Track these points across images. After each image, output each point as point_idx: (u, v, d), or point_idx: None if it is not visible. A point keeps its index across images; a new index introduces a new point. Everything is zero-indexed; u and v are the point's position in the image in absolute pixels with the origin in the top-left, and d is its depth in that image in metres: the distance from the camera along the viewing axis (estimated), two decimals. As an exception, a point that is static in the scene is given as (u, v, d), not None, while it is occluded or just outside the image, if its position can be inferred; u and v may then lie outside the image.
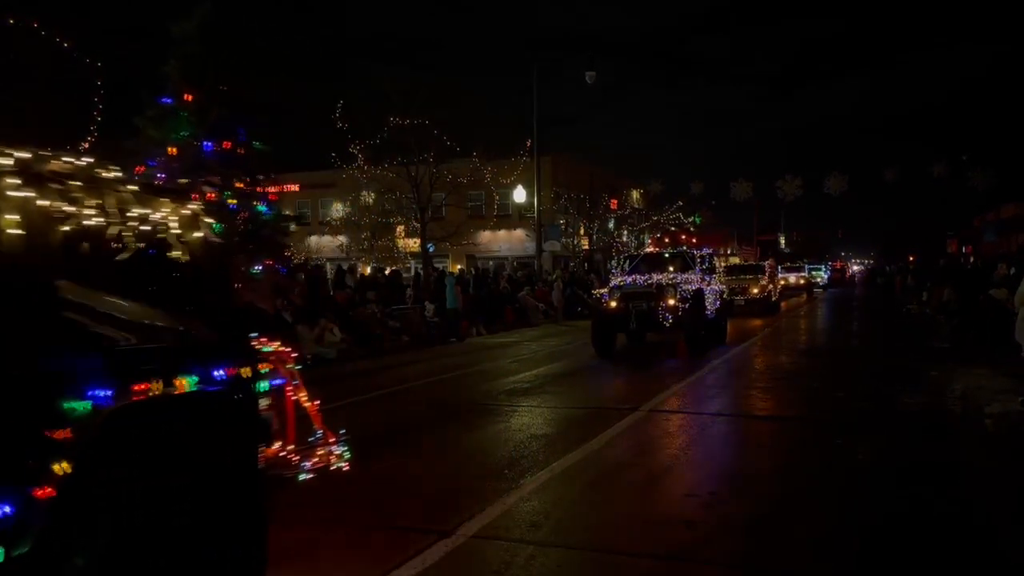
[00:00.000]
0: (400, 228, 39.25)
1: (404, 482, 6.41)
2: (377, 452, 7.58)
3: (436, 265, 32.08)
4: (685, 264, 16.97)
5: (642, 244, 40.93)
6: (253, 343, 4.66)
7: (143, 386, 3.40)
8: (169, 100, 13.45)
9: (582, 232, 42.71)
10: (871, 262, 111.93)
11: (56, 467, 2.96)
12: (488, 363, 14.80)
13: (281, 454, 4.81)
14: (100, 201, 3.54)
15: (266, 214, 13.46)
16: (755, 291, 27.00)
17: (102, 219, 3.53)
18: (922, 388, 10.33)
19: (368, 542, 4.97)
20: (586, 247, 42.11)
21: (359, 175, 32.61)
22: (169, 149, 12.82)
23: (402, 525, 5.21)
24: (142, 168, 12.02)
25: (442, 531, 4.94)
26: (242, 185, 12.65)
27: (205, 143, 13.02)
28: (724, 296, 18.69)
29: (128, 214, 3.68)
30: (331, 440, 5.18)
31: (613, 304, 15.16)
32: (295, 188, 50.30)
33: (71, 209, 3.39)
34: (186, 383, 3.65)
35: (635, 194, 48.98)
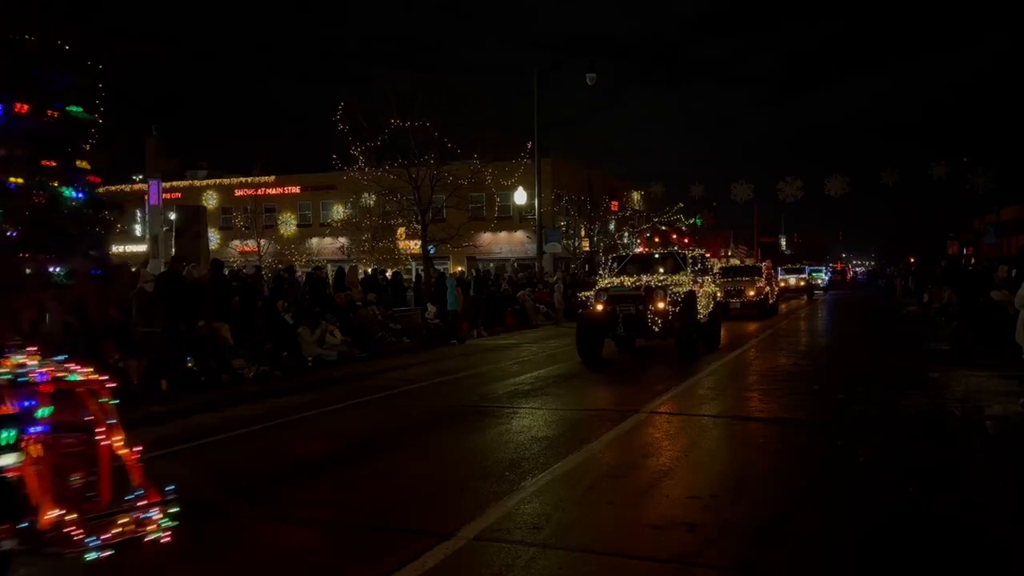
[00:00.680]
0: (401, 230, 39.27)
1: (404, 483, 6.40)
2: (377, 453, 7.60)
3: (437, 267, 32.08)
4: (676, 265, 16.24)
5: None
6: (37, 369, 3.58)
7: None
8: None
9: (583, 234, 42.75)
10: (872, 264, 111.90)
11: None
12: (489, 365, 14.80)
13: (66, 524, 3.52)
14: None
15: (76, 199, 10.97)
16: (751, 293, 26.37)
17: None
18: (922, 390, 10.32)
19: (368, 544, 4.97)
20: (587, 249, 42.13)
21: (360, 177, 32.64)
22: None
23: (402, 527, 5.21)
24: None
25: (443, 533, 4.94)
26: (53, 163, 10.49)
27: None
28: (718, 299, 18.01)
29: None
30: (149, 502, 3.94)
31: (599, 307, 14.40)
32: (296, 190, 50.47)
33: None
34: None
35: (636, 196, 49.04)
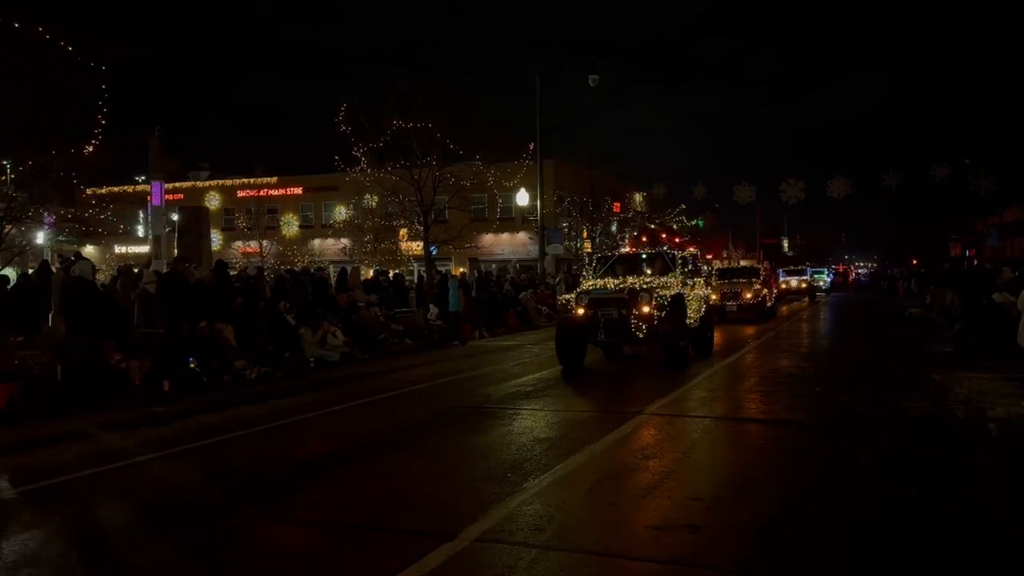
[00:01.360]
0: (403, 231, 39.36)
1: (406, 485, 6.41)
2: (379, 454, 7.61)
3: (439, 268, 32.12)
4: (665, 266, 15.15)
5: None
6: None
7: None
8: None
9: (585, 235, 42.77)
10: (874, 265, 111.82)
11: None
12: (490, 366, 14.79)
13: None
14: None
15: None
16: (748, 296, 25.42)
17: None
18: (925, 392, 10.31)
19: (370, 545, 4.97)
20: (589, 250, 42.16)
21: (362, 178, 32.69)
22: None
23: (404, 528, 5.21)
24: None
25: (444, 534, 4.94)
26: None
27: None
28: (710, 302, 17.03)
29: None
30: None
31: (579, 311, 13.47)
32: (299, 191, 50.54)
33: None
34: None
35: (638, 197, 49.07)
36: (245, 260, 39.29)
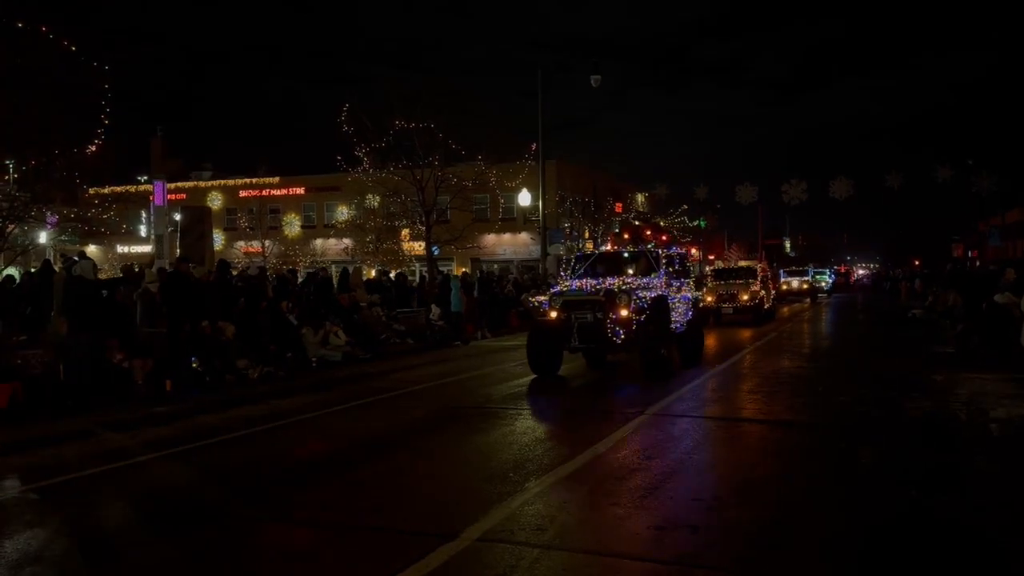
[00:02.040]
0: (405, 231, 39.37)
1: (408, 485, 6.41)
2: (380, 454, 7.61)
3: (441, 268, 32.12)
4: (649, 266, 13.81)
5: None
6: None
7: None
8: None
9: (587, 236, 42.76)
10: (876, 267, 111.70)
11: None
12: (492, 366, 14.80)
13: None
14: None
15: None
16: (745, 298, 24.46)
17: None
18: (927, 393, 10.31)
19: (371, 545, 4.98)
20: (591, 250, 42.12)
21: (364, 178, 32.71)
22: None
23: (406, 528, 5.21)
24: None
25: (446, 534, 4.94)
26: None
27: None
28: (701, 305, 15.97)
29: None
30: None
31: (552, 315, 12.43)
32: (301, 191, 50.59)
33: None
34: None
35: (640, 197, 49.06)
36: (247, 260, 39.33)
